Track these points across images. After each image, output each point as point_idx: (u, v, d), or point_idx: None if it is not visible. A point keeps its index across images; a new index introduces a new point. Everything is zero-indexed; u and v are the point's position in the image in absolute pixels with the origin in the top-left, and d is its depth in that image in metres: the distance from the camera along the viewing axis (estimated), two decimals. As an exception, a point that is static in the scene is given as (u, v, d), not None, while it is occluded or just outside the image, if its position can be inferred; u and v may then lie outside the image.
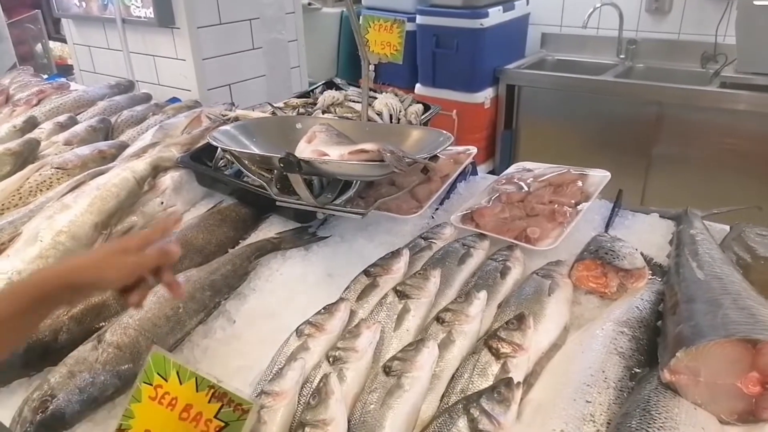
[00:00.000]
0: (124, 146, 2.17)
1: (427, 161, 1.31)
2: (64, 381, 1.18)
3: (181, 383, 0.82)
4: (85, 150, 2.09)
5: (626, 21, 4.45)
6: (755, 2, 3.30)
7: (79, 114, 2.58)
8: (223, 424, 0.77)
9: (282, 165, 1.31)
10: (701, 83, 3.80)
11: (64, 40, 4.22)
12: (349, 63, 5.23)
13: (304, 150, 1.41)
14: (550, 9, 4.80)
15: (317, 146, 1.39)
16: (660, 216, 1.56)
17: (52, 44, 5.22)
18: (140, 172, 1.82)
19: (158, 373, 0.85)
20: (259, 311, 1.44)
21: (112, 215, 1.70)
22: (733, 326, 0.92)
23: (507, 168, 1.86)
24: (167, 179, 1.87)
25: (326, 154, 1.33)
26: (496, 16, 4.33)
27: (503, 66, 4.53)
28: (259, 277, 1.56)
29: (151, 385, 0.85)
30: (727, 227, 1.46)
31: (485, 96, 4.53)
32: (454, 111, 4.74)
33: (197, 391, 0.81)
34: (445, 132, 1.54)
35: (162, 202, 1.85)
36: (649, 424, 0.87)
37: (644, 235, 1.49)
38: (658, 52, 4.44)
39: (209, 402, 0.79)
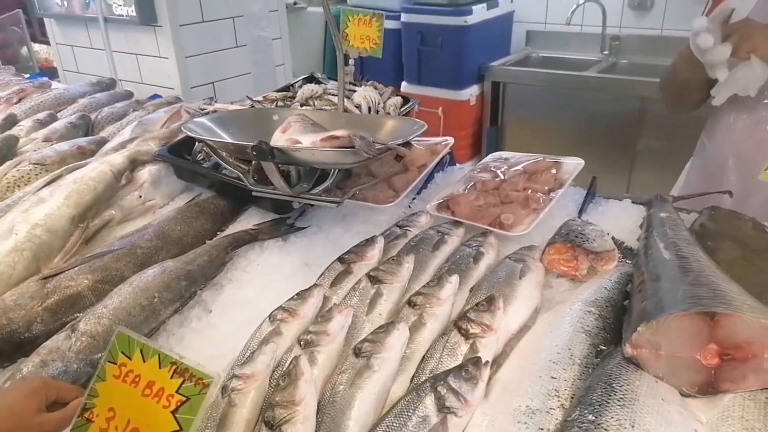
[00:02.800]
0: (103, 142, 2.17)
1: (397, 147, 1.31)
2: (37, 370, 1.18)
3: (144, 361, 0.83)
4: (64, 146, 2.10)
5: (609, 17, 4.49)
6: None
7: (59, 112, 2.57)
8: (184, 398, 0.77)
9: (254, 153, 1.32)
10: (683, 78, 3.82)
11: (49, 43, 4.20)
12: (335, 62, 5.25)
13: (278, 139, 1.42)
14: (534, 6, 4.84)
15: (291, 135, 1.40)
16: (632, 202, 1.58)
17: (37, 47, 5.19)
18: (118, 165, 1.82)
19: (122, 352, 0.85)
20: (235, 301, 1.45)
21: (89, 208, 1.70)
22: (692, 300, 0.94)
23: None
24: (145, 173, 1.87)
25: (299, 142, 1.34)
26: (480, 13, 4.36)
27: (488, 63, 4.56)
28: (236, 267, 1.56)
29: (115, 363, 0.85)
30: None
31: (470, 93, 4.56)
32: (440, 108, 4.76)
33: (160, 367, 0.81)
34: (419, 120, 1.55)
35: (140, 196, 1.85)
36: (610, 395, 0.88)
37: (616, 220, 1.51)
38: (641, 48, 4.49)
39: (171, 378, 0.80)
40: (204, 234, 1.69)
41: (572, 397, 0.95)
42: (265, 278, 1.51)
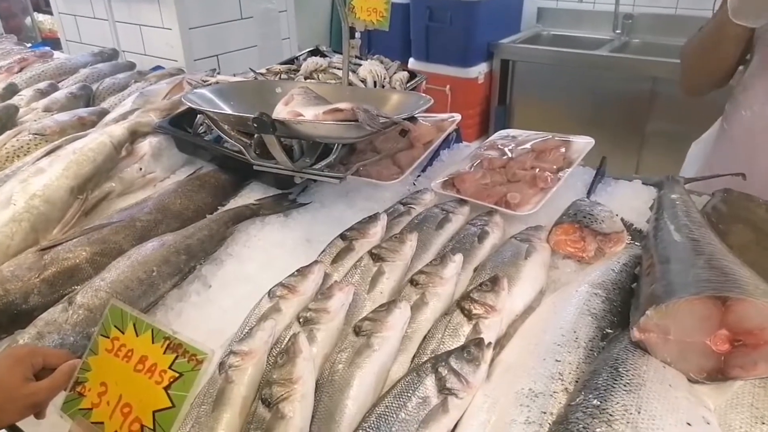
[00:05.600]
0: (104, 113, 2.14)
1: (402, 121, 1.28)
2: (33, 342, 1.16)
3: (137, 335, 0.81)
4: (64, 116, 2.06)
5: (623, -5, 4.39)
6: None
7: (60, 82, 2.54)
8: (177, 374, 0.75)
9: (255, 125, 1.28)
10: (697, 58, 3.74)
11: (53, 13, 4.14)
12: (342, 36, 5.18)
13: (280, 112, 1.38)
14: (547, -18, 4.73)
15: (293, 108, 1.36)
16: (643, 183, 1.54)
17: (41, 17, 5.13)
18: (117, 137, 1.79)
19: (115, 326, 0.83)
20: (235, 276, 1.43)
21: (88, 180, 1.68)
22: (703, 284, 0.91)
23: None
24: (146, 145, 1.84)
25: (302, 115, 1.30)
26: (490, -12, 4.27)
27: (497, 41, 4.48)
28: (236, 242, 1.54)
29: (107, 337, 0.83)
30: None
31: (479, 71, 4.48)
32: (447, 86, 4.69)
33: (153, 342, 0.79)
34: (424, 95, 1.50)
35: (140, 168, 1.82)
36: (615, 380, 0.86)
37: (626, 201, 1.48)
38: (654, 27, 4.39)
39: (164, 353, 0.77)
40: (204, 208, 1.66)
41: (576, 381, 0.93)
42: (266, 254, 1.49)
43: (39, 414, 0.93)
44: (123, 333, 0.81)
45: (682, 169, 2.04)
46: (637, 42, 4.45)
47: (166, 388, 0.74)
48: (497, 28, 4.54)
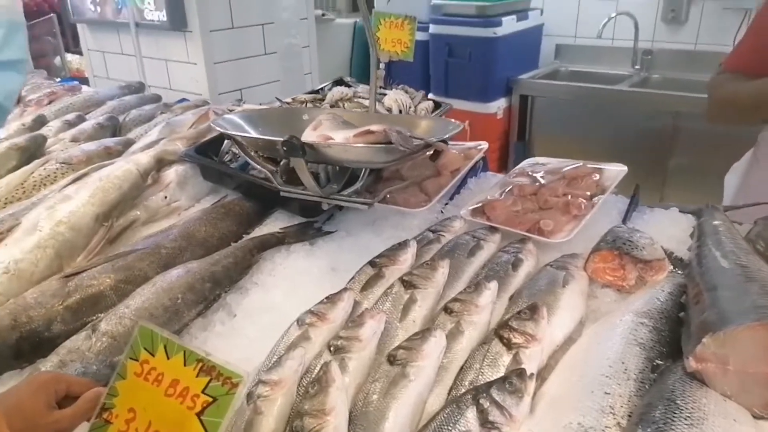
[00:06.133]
0: (130, 143, 2.15)
1: (436, 142, 1.25)
2: (55, 371, 1.13)
3: (168, 358, 0.77)
4: (91, 146, 2.07)
5: (642, 31, 4.39)
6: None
7: (88, 114, 2.57)
8: (210, 399, 0.71)
9: (285, 149, 1.26)
10: (719, 93, 3.71)
11: (81, 53, 4.25)
12: (362, 73, 5.24)
13: (309, 137, 1.36)
14: (565, 19, 4.76)
15: (322, 132, 1.35)
16: (680, 211, 1.49)
17: (69, 56, 5.26)
18: (144, 165, 1.79)
19: (145, 348, 0.79)
20: (260, 305, 1.39)
21: (114, 207, 1.67)
22: (762, 310, 0.85)
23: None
24: (171, 173, 1.84)
25: (331, 139, 1.29)
26: (509, 25, 4.31)
27: (516, 76, 4.50)
28: (261, 271, 1.51)
29: (137, 360, 0.79)
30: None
31: (498, 106, 4.49)
32: (467, 121, 4.69)
33: (185, 365, 0.75)
34: (454, 120, 1.48)
35: (166, 197, 1.81)
36: (675, 413, 0.80)
37: (663, 229, 1.42)
38: (674, 62, 4.38)
39: (197, 376, 0.73)
40: (229, 236, 1.64)
41: (629, 415, 0.87)
42: (292, 282, 1.45)
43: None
44: (153, 356, 0.78)
45: (723, 199, 1.99)
46: (657, 77, 4.44)
47: (198, 414, 0.69)
48: (516, 64, 4.56)
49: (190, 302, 1.34)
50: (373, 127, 1.21)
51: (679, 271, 1.24)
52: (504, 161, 4.75)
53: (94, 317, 1.31)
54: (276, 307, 1.37)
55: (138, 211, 1.76)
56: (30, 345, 1.25)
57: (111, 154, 2.06)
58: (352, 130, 1.27)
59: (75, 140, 2.22)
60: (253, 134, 1.49)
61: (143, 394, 0.76)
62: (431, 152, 1.36)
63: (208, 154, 1.85)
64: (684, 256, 1.31)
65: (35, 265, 1.46)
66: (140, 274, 1.43)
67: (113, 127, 2.35)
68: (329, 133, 1.32)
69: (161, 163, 1.84)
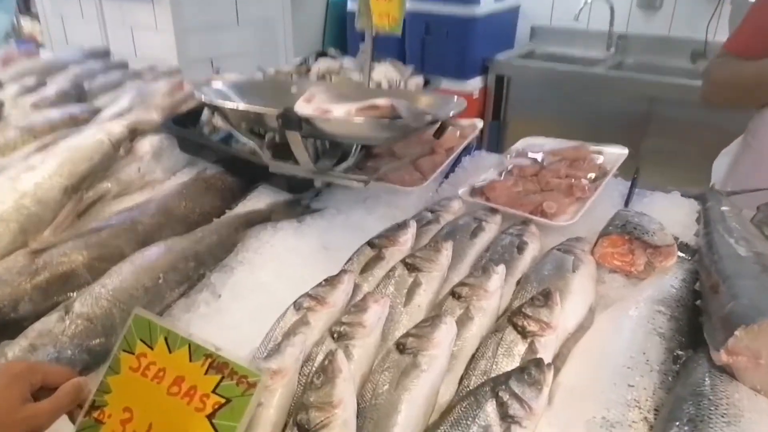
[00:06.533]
0: (97, 111, 2.00)
1: (449, 118, 1.18)
2: (24, 355, 1.03)
3: (170, 351, 0.68)
4: (54, 113, 1.92)
5: (617, 16, 4.39)
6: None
7: (49, 79, 2.38)
8: (223, 400, 0.62)
9: (280, 122, 1.17)
10: (691, 79, 3.76)
11: (36, 17, 3.97)
12: (336, 45, 5.09)
13: (303, 109, 1.27)
14: (541, 2, 4.73)
15: (318, 104, 1.26)
16: (682, 195, 1.47)
17: (21, 20, 4.94)
18: (116, 135, 1.66)
19: (141, 340, 0.70)
20: (247, 285, 1.30)
21: (83, 179, 1.54)
22: (799, 301, 0.82)
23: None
24: (146, 144, 1.71)
25: (329, 112, 1.20)
26: (487, 4, 4.23)
27: (493, 55, 4.44)
28: (247, 249, 1.41)
29: (132, 353, 0.70)
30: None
31: (474, 85, 4.43)
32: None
33: (191, 360, 0.66)
34: (455, 97, 1.41)
35: (139, 169, 1.69)
36: (710, 410, 0.76)
37: (666, 213, 1.38)
38: (648, 48, 4.39)
39: (206, 374, 0.64)
40: (211, 212, 1.54)
41: (655, 409, 0.83)
42: (280, 261, 1.37)
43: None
44: (152, 348, 0.68)
45: (711, 182, 1.98)
46: (632, 62, 4.45)
47: (209, 417, 0.61)
48: (492, 44, 4.50)
49: (172, 282, 1.25)
50: (379, 101, 1.12)
51: (686, 257, 1.21)
52: (479, 140, 4.70)
53: (66, 297, 1.21)
54: (265, 288, 1.29)
55: (109, 183, 1.63)
56: (-7, 327, 1.14)
57: (77, 123, 1.91)
58: (353, 104, 1.18)
59: (36, 107, 2.06)
60: (243, 106, 1.39)
61: (141, 392, 0.67)
62: (435, 130, 1.28)
63: (185, 125, 1.73)
64: (689, 241, 1.28)
65: (-3, 240, 1.33)
66: (116, 252, 1.32)
67: (78, 94, 2.19)
68: (326, 106, 1.23)
69: (135, 134, 1.71)
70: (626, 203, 1.42)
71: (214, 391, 0.63)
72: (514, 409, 0.84)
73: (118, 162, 1.67)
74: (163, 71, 2.44)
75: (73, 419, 0.82)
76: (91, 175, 1.57)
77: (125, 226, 1.38)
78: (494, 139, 4.61)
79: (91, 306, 1.12)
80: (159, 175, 1.72)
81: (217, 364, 0.65)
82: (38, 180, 1.46)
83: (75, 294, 1.20)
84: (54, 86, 2.18)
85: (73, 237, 1.33)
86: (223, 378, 0.63)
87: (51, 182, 1.48)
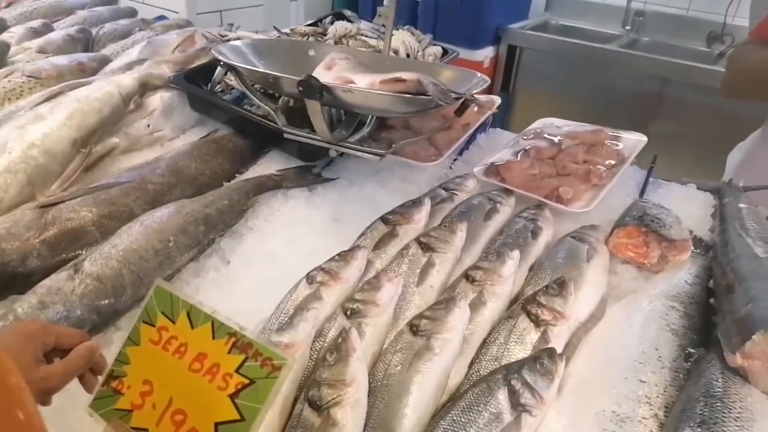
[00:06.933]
0: (106, 60, 1.95)
1: (476, 98, 1.15)
2: (33, 312, 1.02)
3: (192, 327, 0.67)
4: (62, 60, 1.87)
5: (635, -10, 4.30)
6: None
7: (55, 22, 2.32)
8: (247, 381, 0.62)
9: (301, 89, 1.14)
10: (706, 63, 3.69)
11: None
12: (345, 6, 4.97)
13: (323, 76, 1.24)
14: (557, -29, 4.61)
15: (339, 73, 1.22)
16: (698, 188, 1.45)
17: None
18: (127, 88, 1.62)
19: (162, 313, 0.69)
20: (257, 253, 1.30)
21: (92, 132, 1.51)
22: (819, 310, 0.82)
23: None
24: (156, 99, 1.67)
25: (352, 82, 1.17)
26: (505, -29, 4.13)
27: (506, 25, 4.35)
28: (257, 216, 1.40)
29: (153, 326, 0.69)
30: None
31: (485, 54, 4.34)
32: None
33: (214, 338, 0.66)
34: (479, 74, 1.38)
35: (149, 125, 1.66)
36: (723, 413, 0.76)
37: (681, 206, 1.37)
38: (664, 26, 4.31)
39: (229, 352, 0.64)
40: (221, 175, 1.52)
41: (666, 407, 0.84)
42: (291, 231, 1.36)
43: (45, 401, 0.80)
44: (173, 323, 0.68)
45: (724, 177, 1.96)
46: (647, 40, 4.37)
47: (232, 396, 0.61)
48: (506, 13, 4.41)
49: (182, 246, 1.23)
50: (405, 75, 1.09)
51: (700, 252, 1.21)
52: (484, 111, 4.65)
53: (74, 254, 1.20)
54: (275, 257, 1.28)
55: (117, 138, 1.60)
56: (2, 280, 1.13)
57: (84, 71, 1.86)
58: (377, 75, 1.15)
59: (42, 51, 2.00)
60: (260, 68, 1.35)
61: (161, 366, 0.66)
62: (457, 107, 1.25)
63: (197, 83, 1.69)
64: (704, 236, 1.28)
65: (4, 191, 1.31)
66: (125, 210, 1.31)
67: (86, 41, 2.13)
68: (348, 75, 1.19)
69: (145, 88, 1.67)
70: (641, 193, 1.40)
71: (237, 371, 0.62)
72: (526, 398, 0.84)
73: (127, 117, 1.64)
74: (172, 22, 2.37)
75: (83, 382, 0.82)
76: (101, 128, 1.54)
77: (135, 185, 1.36)
78: (502, 111, 4.55)
79: (101, 266, 1.11)
80: (168, 132, 1.69)
81: (241, 344, 0.64)
82: (46, 131, 1.43)
83: (84, 252, 1.19)
84: (61, 31, 2.12)
85: (82, 193, 1.31)
86: (246, 358, 0.63)
87: (59, 133, 1.45)
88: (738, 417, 0.76)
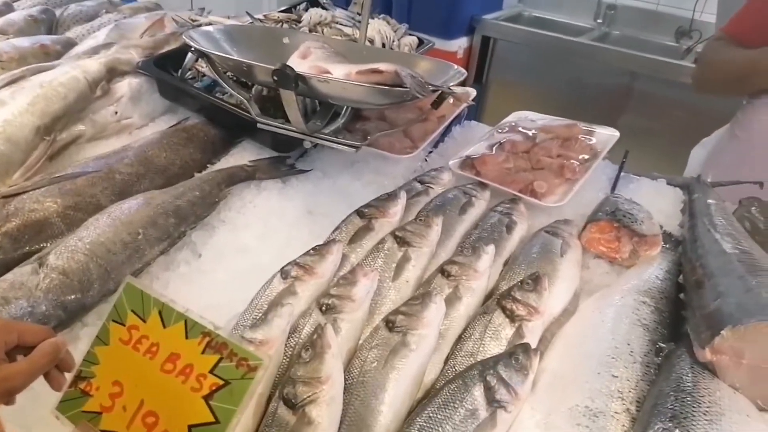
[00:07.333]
0: (71, 44, 1.88)
1: (453, 91, 1.14)
2: (-3, 312, 0.98)
3: (164, 326, 0.65)
4: (24, 42, 1.80)
5: (607, -16, 4.35)
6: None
7: (15, 2, 2.23)
8: (222, 382, 0.60)
9: (276, 79, 1.12)
10: (674, 58, 3.76)
11: None
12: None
13: (299, 65, 1.21)
14: (530, -37, 4.63)
15: (315, 62, 1.20)
16: (667, 183, 1.48)
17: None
18: (93, 73, 1.56)
19: (133, 311, 0.67)
20: (229, 246, 1.27)
21: (57, 119, 1.46)
22: (786, 307, 0.84)
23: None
24: (124, 85, 1.62)
25: (328, 72, 1.15)
26: (479, -41, 4.12)
27: (480, 15, 4.35)
28: (229, 207, 1.38)
29: (123, 325, 0.67)
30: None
31: (459, 45, 4.34)
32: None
33: (187, 337, 0.64)
34: (456, 66, 1.37)
35: (116, 112, 1.60)
36: (693, 408, 0.78)
37: (651, 201, 1.40)
38: (634, 21, 4.36)
39: (203, 353, 0.62)
40: (192, 165, 1.48)
41: (638, 401, 0.85)
42: (264, 223, 1.33)
43: (8, 401, 0.77)
44: (144, 321, 0.65)
45: (685, 172, 2.00)
46: (618, 34, 4.43)
47: (206, 398, 0.59)
48: (480, 3, 4.41)
49: (152, 239, 1.20)
50: (382, 67, 1.08)
51: (669, 247, 1.23)
52: (457, 102, 4.65)
53: (38, 247, 1.16)
54: (247, 250, 1.26)
55: (83, 125, 1.55)
56: (-41, 274, 1.09)
57: (48, 55, 1.80)
58: (353, 66, 1.13)
59: (2, 32, 1.92)
60: (234, 55, 1.31)
61: (132, 367, 0.64)
62: (434, 100, 1.24)
63: (167, 69, 1.64)
64: (673, 231, 1.30)
65: (-37, 181, 1.26)
66: (92, 201, 1.27)
67: (49, 22, 2.05)
68: (324, 65, 1.17)
69: (113, 73, 1.62)
70: (613, 188, 1.42)
71: (211, 372, 0.61)
72: (501, 393, 0.85)
73: (94, 103, 1.58)
74: (140, 4, 2.30)
75: (50, 380, 0.79)
76: (66, 115, 1.49)
77: (102, 175, 1.32)
78: (475, 102, 4.57)
79: (66, 260, 1.08)
80: (136, 120, 1.64)
81: (215, 344, 0.62)
82: (8, 117, 1.38)
83: (48, 245, 1.16)
84: (23, 12, 2.04)
85: (46, 182, 1.27)
86: (221, 359, 0.61)
87: (21, 120, 1.39)
88: (707, 411, 0.77)
